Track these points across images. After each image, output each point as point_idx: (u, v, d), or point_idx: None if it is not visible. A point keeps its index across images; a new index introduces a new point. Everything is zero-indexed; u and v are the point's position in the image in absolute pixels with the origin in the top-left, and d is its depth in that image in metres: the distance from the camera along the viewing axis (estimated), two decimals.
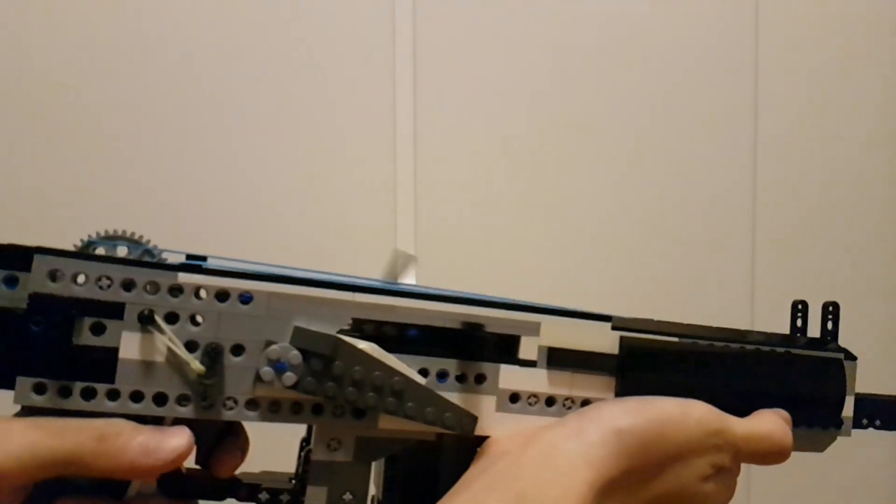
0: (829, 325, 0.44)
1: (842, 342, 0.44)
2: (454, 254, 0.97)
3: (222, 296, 0.32)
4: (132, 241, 0.33)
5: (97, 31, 0.88)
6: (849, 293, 1.09)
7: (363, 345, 0.33)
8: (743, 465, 0.39)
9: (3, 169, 0.87)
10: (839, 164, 1.11)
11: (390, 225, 0.96)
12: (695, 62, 1.04)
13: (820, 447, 0.44)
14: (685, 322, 0.42)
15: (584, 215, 1.01)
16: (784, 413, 0.40)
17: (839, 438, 0.44)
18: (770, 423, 0.39)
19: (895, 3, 1.11)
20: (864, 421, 0.45)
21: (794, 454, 0.42)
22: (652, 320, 0.41)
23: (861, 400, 0.44)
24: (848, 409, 0.43)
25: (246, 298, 0.33)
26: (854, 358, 0.43)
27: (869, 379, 0.48)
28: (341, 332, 0.34)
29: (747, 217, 1.07)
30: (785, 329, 0.46)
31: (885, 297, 1.14)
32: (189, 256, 0.33)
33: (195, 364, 0.31)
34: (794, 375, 0.42)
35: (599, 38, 1.01)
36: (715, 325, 0.42)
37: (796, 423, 0.41)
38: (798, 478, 1.08)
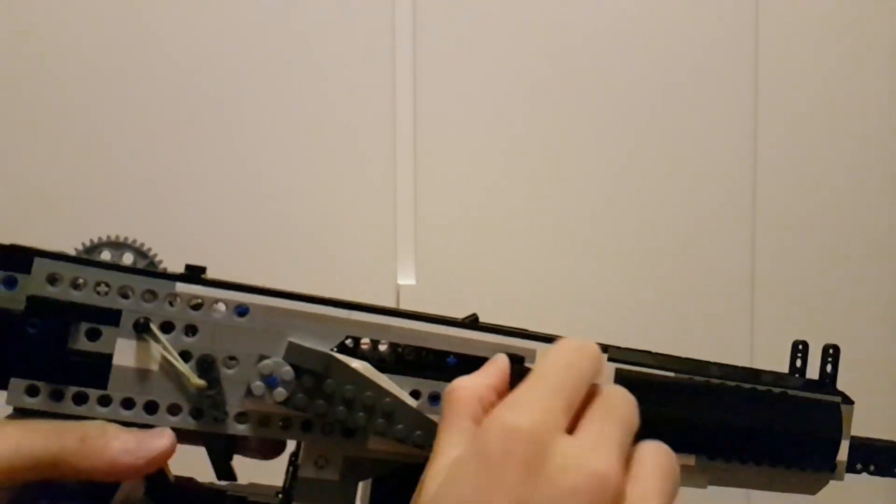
0: (829, 368, 0.44)
1: (846, 378, 0.44)
2: (454, 254, 0.97)
3: (219, 307, 0.33)
4: (131, 248, 0.33)
5: (99, 33, 0.89)
6: (851, 296, 1.07)
7: (356, 363, 0.33)
8: None
9: (7, 170, 0.87)
10: (842, 175, 1.09)
11: (390, 225, 0.96)
12: (695, 63, 1.04)
13: (812, 490, 0.43)
14: (683, 346, 0.42)
15: (583, 217, 1.01)
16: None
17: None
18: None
19: (895, 3, 1.11)
20: (859, 465, 0.44)
21: None
22: (648, 352, 0.40)
23: (856, 444, 0.43)
24: (843, 454, 0.43)
25: (242, 311, 0.33)
26: (851, 402, 0.43)
27: (872, 418, 0.47)
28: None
29: (747, 227, 1.05)
30: (782, 357, 0.46)
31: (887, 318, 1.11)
32: (188, 267, 0.34)
33: (195, 379, 0.31)
34: (790, 417, 0.41)
35: (600, 38, 1.01)
36: (714, 340, 0.42)
37: (789, 465, 0.41)
38: None
